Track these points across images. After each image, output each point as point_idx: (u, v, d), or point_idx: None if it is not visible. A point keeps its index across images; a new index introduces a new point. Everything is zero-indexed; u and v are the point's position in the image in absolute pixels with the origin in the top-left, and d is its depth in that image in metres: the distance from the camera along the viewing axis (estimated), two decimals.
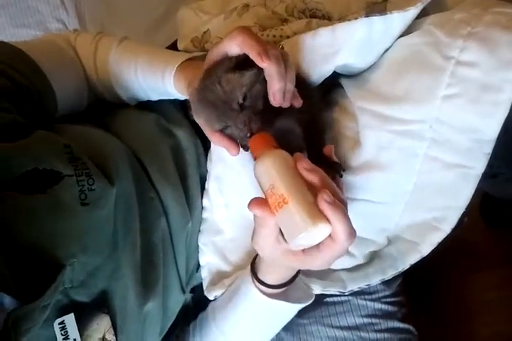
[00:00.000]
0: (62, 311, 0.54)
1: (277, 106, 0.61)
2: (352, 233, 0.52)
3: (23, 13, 1.56)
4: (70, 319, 0.54)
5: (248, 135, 0.60)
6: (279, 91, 0.60)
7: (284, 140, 0.62)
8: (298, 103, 0.64)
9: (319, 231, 0.51)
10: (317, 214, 0.51)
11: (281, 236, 0.55)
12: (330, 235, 0.52)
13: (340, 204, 0.52)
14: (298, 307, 0.74)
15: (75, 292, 0.56)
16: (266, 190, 0.54)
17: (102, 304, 0.59)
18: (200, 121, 0.67)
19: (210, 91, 0.61)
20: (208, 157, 0.83)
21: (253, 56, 0.59)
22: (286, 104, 0.62)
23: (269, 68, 0.59)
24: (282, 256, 0.57)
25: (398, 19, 0.66)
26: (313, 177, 0.53)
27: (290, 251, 0.56)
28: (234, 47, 0.62)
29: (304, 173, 0.53)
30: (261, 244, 0.58)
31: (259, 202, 0.54)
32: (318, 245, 0.54)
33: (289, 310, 0.74)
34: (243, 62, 0.62)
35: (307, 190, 0.53)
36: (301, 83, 0.67)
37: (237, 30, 0.62)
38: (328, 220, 0.51)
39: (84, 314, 0.56)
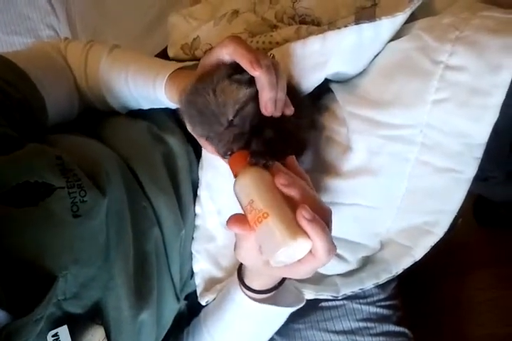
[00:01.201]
0: (56, 323, 0.54)
1: (269, 115, 0.61)
2: (332, 249, 0.51)
3: (14, 20, 1.56)
4: (63, 331, 0.54)
5: (228, 153, 0.60)
6: (270, 100, 0.60)
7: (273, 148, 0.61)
8: (289, 111, 0.64)
9: (299, 247, 0.51)
10: (296, 229, 0.50)
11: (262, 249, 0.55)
12: (311, 250, 0.52)
13: (320, 220, 0.51)
14: (288, 311, 0.73)
15: (68, 304, 0.56)
16: (245, 206, 0.54)
17: (95, 315, 0.58)
18: (187, 126, 0.67)
19: (201, 97, 0.61)
20: (200, 164, 0.83)
21: (244, 65, 0.60)
22: (277, 113, 0.62)
23: (261, 77, 0.59)
24: (264, 266, 0.57)
25: (387, 25, 0.66)
26: (291, 192, 0.53)
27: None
28: (225, 55, 0.62)
29: (283, 189, 0.53)
30: (243, 256, 0.58)
31: (237, 219, 0.54)
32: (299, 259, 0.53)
33: (278, 314, 0.74)
34: (238, 70, 0.62)
35: (286, 205, 0.52)
36: (292, 91, 0.67)
37: (228, 39, 0.62)
38: (307, 235, 0.50)
39: (78, 325, 0.56)
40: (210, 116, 0.61)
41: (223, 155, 0.63)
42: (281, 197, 0.53)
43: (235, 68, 0.62)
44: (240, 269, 0.70)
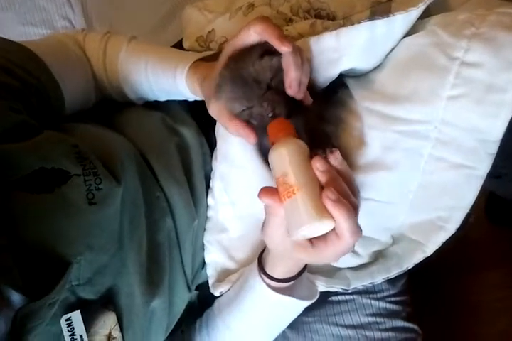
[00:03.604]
0: (69, 308, 0.55)
1: (292, 95, 0.62)
2: (357, 231, 0.53)
3: (30, 11, 1.56)
4: (76, 316, 0.54)
5: (270, 115, 0.61)
6: (295, 79, 0.61)
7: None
8: (308, 100, 0.65)
9: (321, 226, 0.52)
10: (323, 210, 0.51)
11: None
12: (335, 231, 0.53)
13: (345, 202, 0.52)
14: (303, 304, 0.74)
15: (81, 289, 0.57)
16: (277, 177, 0.55)
17: (108, 301, 0.59)
18: (221, 101, 0.66)
19: (243, 69, 0.63)
20: (213, 155, 0.83)
21: (274, 41, 0.60)
22: (300, 96, 0.63)
23: (288, 54, 0.60)
24: (291, 247, 0.58)
25: (401, 21, 0.65)
26: (323, 178, 0.54)
27: (299, 243, 0.57)
28: (253, 35, 0.63)
29: (317, 173, 0.54)
30: (270, 235, 0.59)
31: (268, 191, 0.55)
32: (325, 240, 0.54)
33: (294, 306, 0.74)
34: (269, 52, 0.63)
35: (317, 185, 0.53)
36: (309, 85, 0.68)
37: (258, 19, 0.63)
38: (331, 216, 0.51)
39: (91, 311, 0.56)
40: (252, 83, 0.62)
41: (265, 120, 0.62)
42: (314, 176, 0.54)
43: (266, 50, 0.63)
44: (261, 258, 0.71)
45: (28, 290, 0.50)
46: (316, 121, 0.68)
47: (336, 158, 0.56)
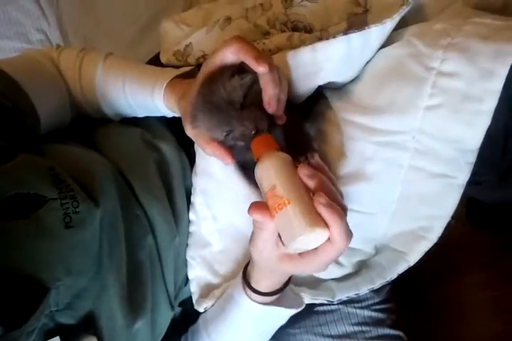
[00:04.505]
0: (48, 334, 0.54)
1: (271, 112, 0.62)
2: (348, 234, 0.52)
3: (4, 24, 1.54)
4: None
5: (254, 132, 0.60)
6: (274, 96, 0.61)
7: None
8: (282, 119, 0.64)
9: (317, 236, 0.52)
10: (316, 219, 0.51)
11: (280, 241, 0.55)
12: (328, 239, 0.53)
13: (337, 206, 0.52)
14: (289, 313, 0.74)
15: (60, 315, 0.56)
16: (266, 191, 0.54)
17: (88, 325, 0.58)
18: (200, 129, 0.66)
19: (214, 95, 0.62)
20: (193, 170, 0.83)
21: (250, 61, 0.60)
22: (279, 112, 0.63)
23: (265, 73, 0.60)
24: (279, 260, 0.57)
25: (376, 32, 0.66)
26: (312, 183, 0.53)
27: (287, 256, 0.56)
28: (229, 55, 0.63)
29: (305, 179, 0.54)
30: (260, 248, 0.58)
31: (258, 206, 0.54)
32: (315, 248, 0.54)
33: (280, 316, 0.74)
34: (241, 70, 0.63)
35: (307, 195, 0.53)
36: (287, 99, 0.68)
37: (232, 39, 0.62)
38: (326, 225, 0.51)
39: (71, 336, 0.55)
40: (226, 107, 0.61)
41: (247, 140, 0.62)
42: (303, 186, 0.54)
43: (238, 69, 0.63)
44: (245, 272, 0.71)
45: (5, 319, 0.48)
46: (295, 127, 0.68)
47: (317, 162, 0.57)
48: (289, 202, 0.52)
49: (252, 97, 0.62)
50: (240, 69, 0.63)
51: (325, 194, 0.52)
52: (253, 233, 0.58)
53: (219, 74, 0.63)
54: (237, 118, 0.61)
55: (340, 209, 0.52)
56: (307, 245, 0.53)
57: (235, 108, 0.61)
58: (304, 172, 0.54)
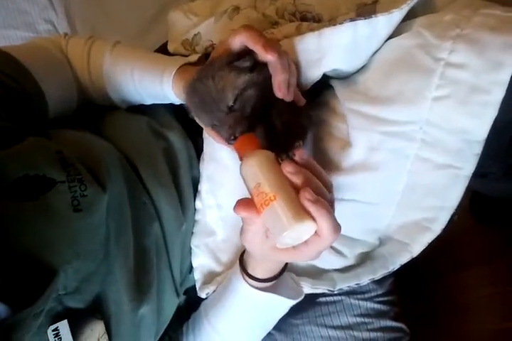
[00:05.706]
0: (56, 318, 0.54)
1: (281, 97, 0.62)
2: (336, 228, 0.52)
3: (12, 14, 1.54)
4: (63, 325, 0.54)
5: (232, 138, 0.61)
6: (284, 81, 0.61)
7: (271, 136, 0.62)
8: (301, 101, 0.66)
9: (304, 229, 0.52)
10: (302, 212, 0.51)
11: (269, 232, 0.55)
12: (315, 231, 0.53)
13: (323, 200, 0.52)
14: (288, 303, 0.74)
15: (68, 298, 0.56)
16: (252, 189, 0.55)
17: (95, 310, 0.59)
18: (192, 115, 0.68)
19: (202, 85, 0.62)
20: (201, 158, 0.83)
21: (258, 49, 0.61)
22: (289, 98, 0.63)
23: (274, 60, 0.60)
24: (271, 251, 0.58)
25: (383, 22, 0.66)
26: (297, 180, 0.53)
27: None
28: (237, 42, 0.64)
29: (289, 176, 0.54)
30: (249, 241, 0.59)
31: (244, 204, 0.54)
32: (305, 241, 0.54)
33: (278, 304, 0.74)
34: (239, 57, 0.63)
35: (292, 190, 0.53)
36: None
37: (242, 27, 0.63)
38: (312, 218, 0.51)
39: (78, 320, 0.56)
40: (211, 103, 0.62)
41: (228, 141, 0.63)
42: (287, 182, 0.54)
43: (237, 55, 0.63)
44: (242, 258, 0.71)
45: (13, 300, 0.49)
46: (293, 113, 0.68)
47: (301, 157, 0.56)
48: (275, 197, 0.52)
49: (242, 102, 0.62)
50: (239, 55, 0.63)
51: (311, 189, 0.52)
52: (242, 227, 0.58)
53: (216, 60, 0.64)
54: (218, 120, 0.62)
55: (327, 203, 0.52)
56: (296, 239, 0.54)
57: (219, 108, 0.62)
58: (287, 169, 0.54)
